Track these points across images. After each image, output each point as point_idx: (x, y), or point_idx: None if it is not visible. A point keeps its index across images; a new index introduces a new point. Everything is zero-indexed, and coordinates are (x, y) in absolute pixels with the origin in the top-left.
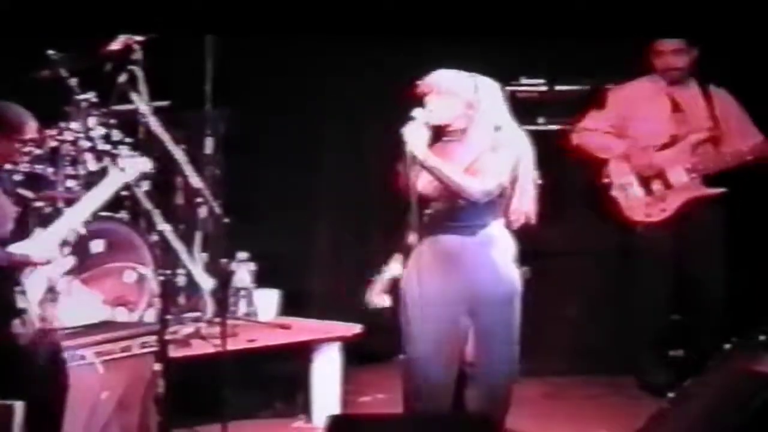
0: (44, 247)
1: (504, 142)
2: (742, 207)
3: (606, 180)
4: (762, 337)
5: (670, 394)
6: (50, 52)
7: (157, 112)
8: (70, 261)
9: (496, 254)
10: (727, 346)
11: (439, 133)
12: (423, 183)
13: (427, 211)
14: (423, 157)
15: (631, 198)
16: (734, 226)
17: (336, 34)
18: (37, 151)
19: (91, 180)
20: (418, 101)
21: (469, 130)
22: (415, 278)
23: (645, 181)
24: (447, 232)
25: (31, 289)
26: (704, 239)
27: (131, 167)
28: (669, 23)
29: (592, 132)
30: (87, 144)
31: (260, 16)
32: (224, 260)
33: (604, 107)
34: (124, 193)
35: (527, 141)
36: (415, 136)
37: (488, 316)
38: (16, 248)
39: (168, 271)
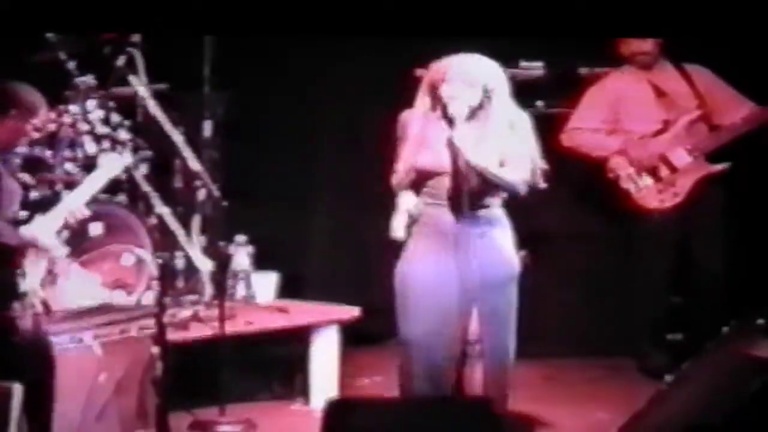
0: (48, 230)
1: (521, 125)
2: (743, 188)
3: (612, 174)
4: (760, 321)
5: (668, 377)
6: (49, 35)
7: (156, 95)
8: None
9: (497, 234)
10: (725, 329)
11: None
12: (423, 161)
13: (426, 190)
14: (470, 157)
15: (642, 187)
16: (735, 210)
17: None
18: (36, 135)
19: (90, 163)
20: (432, 89)
21: (486, 114)
22: (415, 258)
23: (651, 170)
24: (446, 212)
25: (32, 271)
26: (705, 222)
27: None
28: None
29: (583, 132)
30: (85, 127)
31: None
32: (222, 243)
33: (589, 102)
34: (122, 175)
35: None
36: (460, 136)
37: (492, 296)
38: (23, 230)
39: (166, 254)
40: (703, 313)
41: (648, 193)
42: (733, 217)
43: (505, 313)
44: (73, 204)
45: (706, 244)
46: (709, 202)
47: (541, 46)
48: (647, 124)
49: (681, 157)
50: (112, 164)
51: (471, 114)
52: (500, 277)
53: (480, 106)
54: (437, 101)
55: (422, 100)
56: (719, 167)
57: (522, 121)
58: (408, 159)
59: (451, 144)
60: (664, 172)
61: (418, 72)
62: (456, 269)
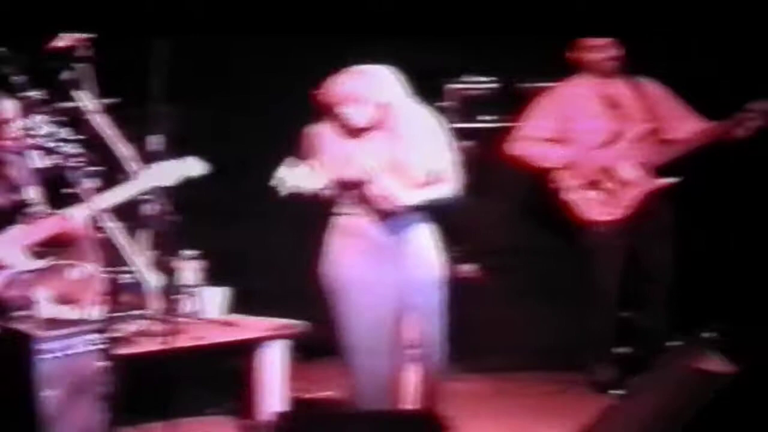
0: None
1: (434, 129)
2: (691, 202)
3: (556, 185)
4: (708, 335)
5: (618, 392)
6: None
7: (105, 109)
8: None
9: (420, 239)
10: (674, 343)
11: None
12: (339, 174)
13: (344, 201)
14: (408, 200)
15: (588, 199)
16: (683, 223)
17: (286, 33)
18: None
19: (37, 177)
20: (330, 109)
21: (389, 124)
22: (343, 269)
23: (597, 182)
24: (368, 221)
25: None
26: (653, 236)
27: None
28: (593, 21)
29: (531, 141)
30: (32, 141)
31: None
32: (171, 258)
33: (539, 111)
34: (71, 190)
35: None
36: (388, 184)
37: (421, 300)
38: None
39: (114, 269)
40: (652, 327)
41: (593, 205)
42: (681, 231)
43: (437, 317)
44: (100, 204)
45: (654, 257)
46: (657, 216)
47: (488, 60)
48: (596, 135)
49: (628, 170)
50: (165, 174)
51: (376, 128)
52: (428, 281)
53: (380, 121)
54: (339, 119)
55: (327, 118)
56: (666, 181)
57: (442, 133)
58: (323, 171)
59: (362, 157)
60: (610, 184)
61: (317, 92)
62: (385, 276)
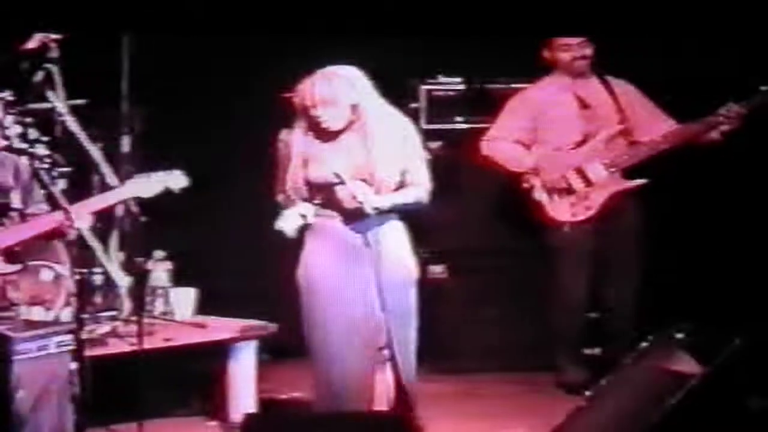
0: None
1: (410, 136)
2: (660, 202)
3: (526, 185)
4: (678, 335)
5: (587, 392)
6: None
7: (74, 110)
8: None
9: (393, 240)
10: (643, 344)
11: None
12: (311, 176)
13: (317, 203)
14: (380, 204)
15: (555, 199)
16: (652, 223)
17: (253, 34)
18: None
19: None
20: (303, 111)
21: (363, 127)
22: (317, 271)
23: (566, 182)
24: (340, 223)
25: None
26: (621, 237)
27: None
28: (565, 20)
29: (501, 142)
30: (2, 142)
31: (176, 15)
32: (141, 259)
33: (511, 111)
34: (41, 191)
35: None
36: (362, 189)
37: (394, 301)
38: None
39: (85, 270)
40: (620, 328)
41: (561, 206)
42: (650, 231)
43: (408, 318)
44: (81, 210)
45: (622, 258)
46: (625, 217)
47: (459, 60)
48: (567, 136)
49: (597, 171)
50: (146, 186)
51: (347, 130)
52: (399, 282)
53: (352, 122)
54: (310, 121)
55: (298, 121)
56: (634, 183)
57: (411, 134)
58: (296, 175)
59: (334, 160)
60: (578, 185)
61: (288, 95)
62: (357, 278)
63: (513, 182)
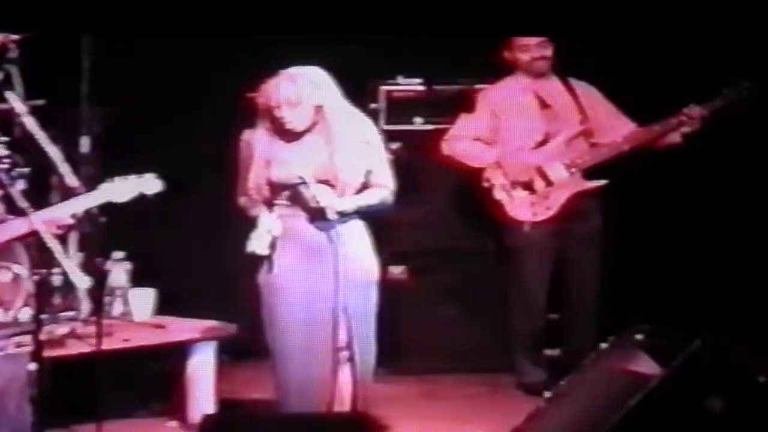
0: None
1: (373, 138)
2: (619, 203)
3: (487, 184)
4: (637, 337)
5: (547, 393)
6: None
7: (33, 110)
8: None
9: (355, 240)
10: (604, 345)
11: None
12: (274, 176)
13: (280, 202)
14: (343, 208)
15: (516, 199)
16: (613, 224)
17: (215, 33)
18: None
19: None
20: (267, 112)
21: (327, 128)
22: (279, 270)
23: (526, 182)
24: (303, 222)
25: None
26: (580, 238)
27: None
28: (525, 20)
29: (463, 140)
30: None
31: (137, 15)
32: (100, 259)
33: (472, 111)
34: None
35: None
36: (325, 194)
37: (355, 301)
38: None
39: (43, 271)
40: (580, 328)
41: (521, 205)
42: (610, 232)
43: (369, 318)
44: (57, 213)
45: (581, 259)
46: (585, 218)
47: (420, 60)
48: (528, 135)
49: (558, 171)
50: (120, 190)
51: (310, 130)
52: (361, 282)
53: (315, 123)
54: (274, 122)
55: (260, 120)
56: (594, 184)
57: (374, 135)
58: (259, 175)
59: (297, 161)
60: (539, 185)
61: (252, 95)
62: (319, 278)
63: (473, 182)
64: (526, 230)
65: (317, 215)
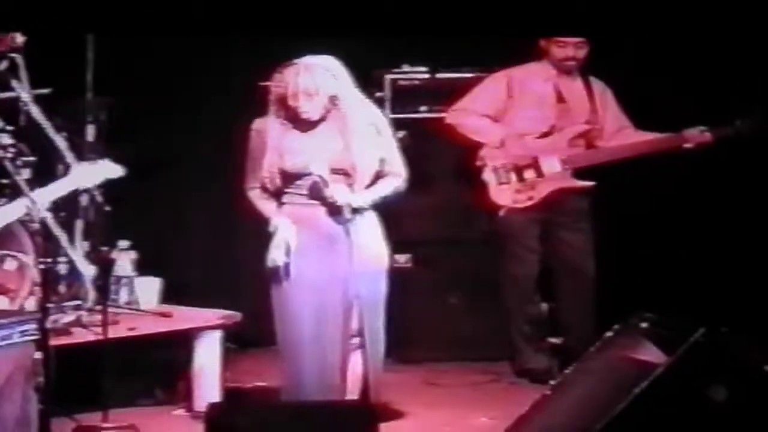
0: None
1: (384, 128)
2: (614, 191)
3: (479, 163)
4: (642, 325)
5: (551, 381)
6: None
7: (39, 99)
8: None
9: (366, 228)
10: (608, 333)
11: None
12: (288, 164)
13: (292, 191)
14: (360, 203)
15: (503, 182)
16: (609, 209)
17: (217, 21)
18: None
19: None
20: (280, 101)
21: (341, 117)
22: (291, 256)
23: (518, 169)
24: (315, 211)
25: None
26: (573, 225)
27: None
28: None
29: (469, 113)
30: None
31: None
32: (105, 248)
33: (488, 86)
34: (3, 180)
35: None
36: (342, 193)
37: (367, 289)
38: None
39: (49, 260)
40: (574, 319)
41: (505, 190)
42: (608, 219)
43: (379, 305)
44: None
45: (571, 246)
46: (572, 205)
47: (426, 50)
48: (536, 124)
49: (552, 165)
50: (87, 175)
51: (324, 120)
52: (373, 271)
53: (328, 111)
54: (288, 111)
55: (274, 110)
56: (582, 184)
57: (384, 124)
58: (272, 164)
59: (312, 151)
60: (529, 174)
61: (264, 84)
62: (332, 266)
63: (475, 170)
64: (501, 215)
65: (334, 211)
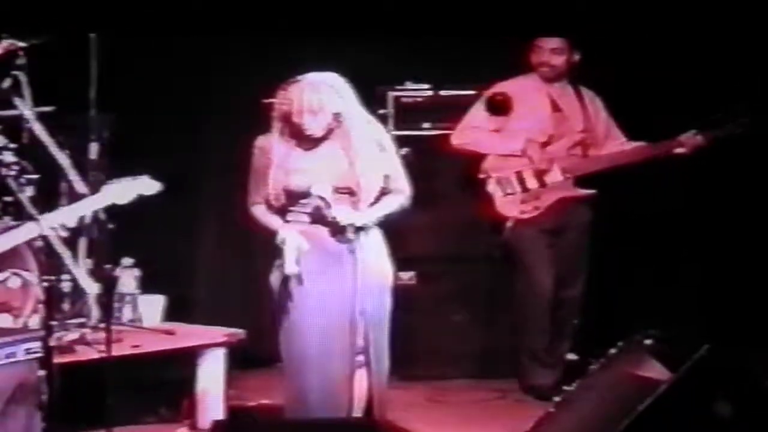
0: None
1: (388, 145)
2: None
3: (483, 175)
4: (646, 342)
5: (556, 398)
6: None
7: (42, 117)
8: None
9: (371, 245)
10: (612, 350)
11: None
12: (293, 183)
13: (296, 210)
14: (365, 222)
15: (508, 193)
16: (608, 226)
17: (220, 35)
18: None
19: None
20: (284, 118)
21: (345, 135)
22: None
23: (521, 179)
24: (320, 228)
25: None
26: (576, 235)
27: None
28: (551, 23)
29: (476, 130)
30: None
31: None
32: (109, 266)
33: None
34: (7, 198)
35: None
36: (345, 213)
37: (372, 306)
38: None
39: (52, 277)
40: (589, 332)
41: (511, 201)
42: (612, 235)
43: (384, 323)
44: (59, 219)
45: (571, 259)
46: (574, 216)
47: (428, 68)
48: (535, 134)
49: (553, 174)
50: (122, 192)
51: (328, 137)
52: (378, 287)
53: (332, 129)
54: (293, 128)
55: (278, 127)
56: (584, 192)
57: (388, 141)
58: (278, 182)
59: (316, 169)
60: (532, 184)
61: (268, 101)
62: (338, 283)
63: (480, 185)
64: (509, 226)
65: (338, 232)
